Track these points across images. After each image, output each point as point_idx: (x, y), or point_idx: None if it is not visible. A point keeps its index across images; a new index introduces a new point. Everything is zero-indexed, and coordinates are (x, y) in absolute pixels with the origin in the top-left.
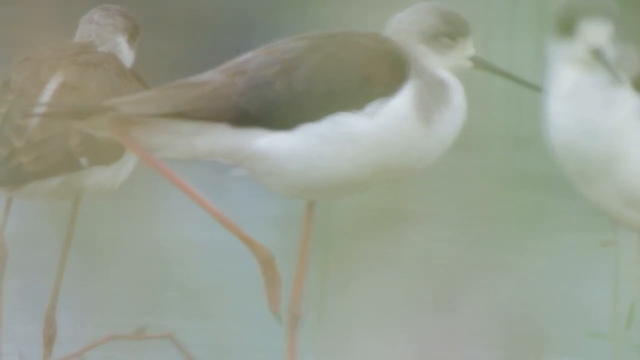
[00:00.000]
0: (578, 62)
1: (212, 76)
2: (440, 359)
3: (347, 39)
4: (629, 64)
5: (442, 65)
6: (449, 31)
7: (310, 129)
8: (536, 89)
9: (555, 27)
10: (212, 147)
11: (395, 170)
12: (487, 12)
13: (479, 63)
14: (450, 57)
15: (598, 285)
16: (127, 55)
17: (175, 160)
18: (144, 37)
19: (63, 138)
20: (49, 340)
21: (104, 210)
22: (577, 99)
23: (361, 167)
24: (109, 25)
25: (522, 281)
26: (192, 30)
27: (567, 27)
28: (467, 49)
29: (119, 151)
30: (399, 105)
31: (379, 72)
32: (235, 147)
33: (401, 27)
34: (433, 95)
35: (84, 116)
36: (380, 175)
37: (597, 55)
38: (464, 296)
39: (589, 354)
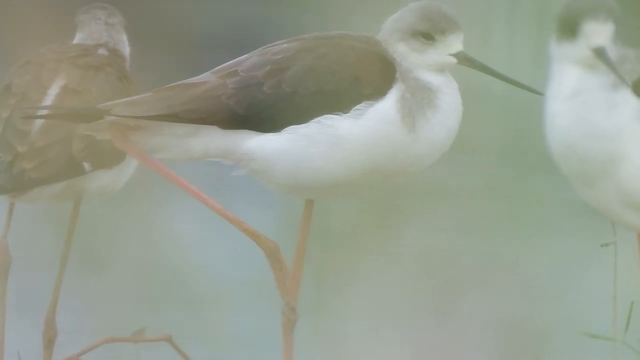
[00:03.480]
0: (580, 63)
1: (206, 78)
2: (439, 359)
3: (339, 41)
4: (629, 66)
5: (422, 63)
6: (426, 28)
7: (298, 130)
8: (522, 86)
9: (558, 27)
10: (206, 148)
11: (385, 173)
12: (487, 12)
13: (463, 60)
14: (429, 54)
15: (597, 286)
16: (127, 52)
17: (174, 161)
18: (150, 49)
19: (66, 143)
20: (49, 342)
21: (103, 214)
22: (578, 100)
23: (350, 168)
24: (117, 25)
25: (521, 282)
26: (191, 40)
27: (569, 27)
28: (450, 46)
29: (121, 154)
30: (385, 109)
31: (368, 74)
32: (227, 149)
33: (386, 26)
34: (416, 100)
35: (82, 119)
36: (370, 177)
37: (599, 54)
38: (462, 297)
39: (588, 355)
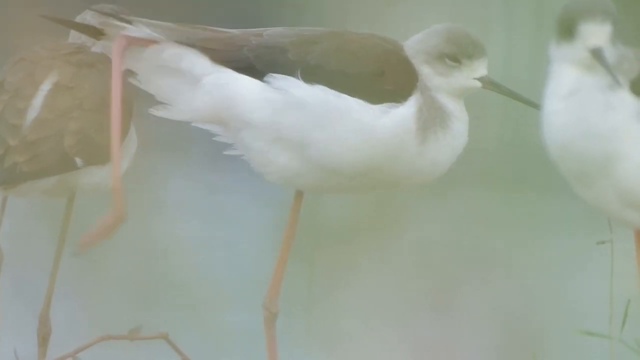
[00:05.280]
0: (578, 64)
1: (232, 30)
2: (435, 358)
3: (368, 36)
4: (627, 66)
5: (445, 87)
6: (452, 52)
7: (330, 94)
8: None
9: (556, 29)
10: (214, 88)
11: (383, 179)
12: (484, 13)
13: (488, 84)
14: (453, 78)
15: (594, 284)
16: None
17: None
18: None
19: (58, 138)
20: (44, 340)
21: (98, 209)
22: (576, 100)
23: (357, 159)
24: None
25: (517, 280)
26: None
27: (567, 28)
28: (475, 70)
29: None
30: (405, 116)
31: (393, 72)
32: (233, 96)
33: (410, 45)
34: (431, 116)
35: (98, 29)
36: (367, 179)
37: (596, 55)
38: (458, 296)
39: (585, 353)
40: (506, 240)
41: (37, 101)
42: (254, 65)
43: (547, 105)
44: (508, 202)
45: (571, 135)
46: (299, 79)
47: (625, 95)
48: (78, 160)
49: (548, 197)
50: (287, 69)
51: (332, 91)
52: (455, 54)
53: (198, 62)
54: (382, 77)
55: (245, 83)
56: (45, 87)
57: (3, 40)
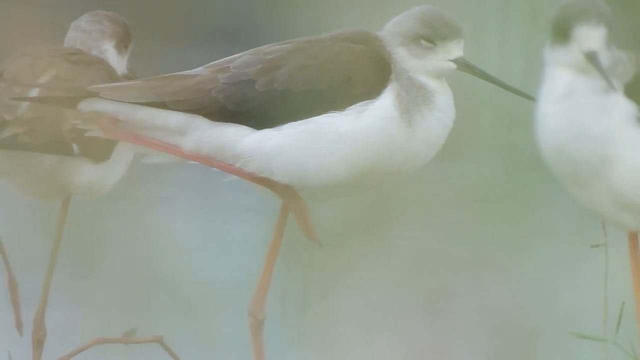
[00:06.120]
0: (572, 67)
1: (198, 71)
2: (429, 359)
3: (332, 42)
4: (622, 69)
5: (421, 68)
6: (426, 34)
7: (298, 126)
8: (520, 93)
9: (550, 31)
10: (198, 144)
11: (382, 173)
12: (479, 11)
13: (462, 66)
14: (428, 60)
15: (588, 287)
16: (114, 61)
17: (165, 165)
18: (142, 44)
19: (55, 120)
20: (38, 343)
21: (93, 213)
22: (570, 102)
23: (351, 166)
24: (94, 32)
25: (512, 283)
26: (187, 37)
27: (562, 31)
28: (451, 52)
29: (107, 150)
30: (383, 107)
31: (360, 74)
32: (221, 146)
33: (388, 28)
34: (412, 97)
35: (72, 102)
36: (369, 177)
37: (590, 58)
38: (453, 298)
39: (579, 355)
40: (500, 244)
41: (35, 89)
42: (225, 106)
43: (541, 107)
44: (502, 205)
45: (565, 137)
46: (265, 129)
47: (619, 98)
48: (75, 147)
49: (542, 199)
50: (257, 104)
51: (299, 122)
52: (430, 35)
53: (172, 118)
54: (350, 83)
55: (226, 135)
56: (44, 78)
57: (2, 41)
